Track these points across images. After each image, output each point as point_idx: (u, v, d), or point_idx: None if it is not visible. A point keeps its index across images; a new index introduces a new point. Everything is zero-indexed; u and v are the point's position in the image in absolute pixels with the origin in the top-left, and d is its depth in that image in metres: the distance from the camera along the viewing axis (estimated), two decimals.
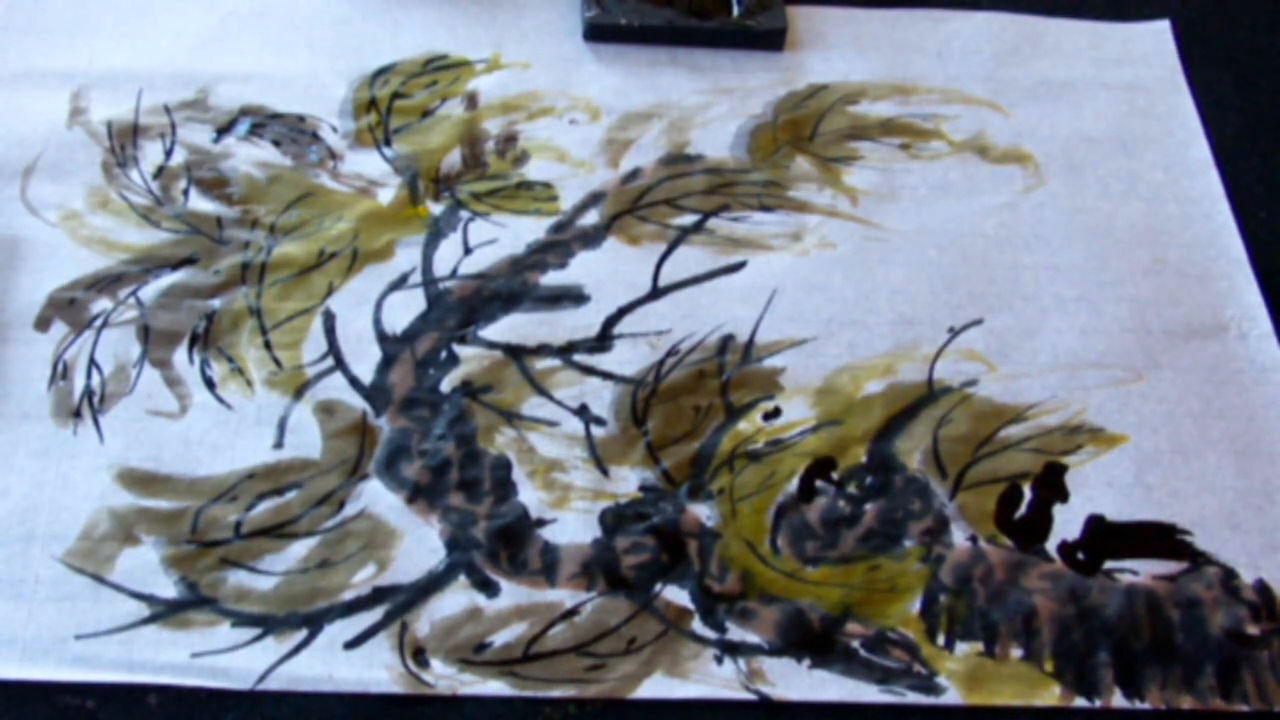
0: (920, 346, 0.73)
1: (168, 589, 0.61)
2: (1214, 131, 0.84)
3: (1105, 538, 0.66)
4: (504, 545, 0.64)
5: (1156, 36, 0.89)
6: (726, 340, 0.72)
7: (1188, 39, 0.89)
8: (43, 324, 0.70)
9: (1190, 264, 0.77)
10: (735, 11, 0.85)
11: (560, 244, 0.75)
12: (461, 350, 0.71)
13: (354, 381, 0.69)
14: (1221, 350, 0.74)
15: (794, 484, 0.67)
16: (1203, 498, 0.68)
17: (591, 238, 0.75)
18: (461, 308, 0.72)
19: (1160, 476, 0.68)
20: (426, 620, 0.61)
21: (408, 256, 0.74)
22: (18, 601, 0.60)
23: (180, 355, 0.69)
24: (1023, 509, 0.67)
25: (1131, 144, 0.83)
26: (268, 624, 0.61)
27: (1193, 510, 0.67)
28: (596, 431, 0.68)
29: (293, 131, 0.79)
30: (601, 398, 0.69)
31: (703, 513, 0.66)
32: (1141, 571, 0.65)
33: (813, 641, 0.62)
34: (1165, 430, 0.70)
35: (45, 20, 0.83)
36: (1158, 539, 0.66)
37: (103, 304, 0.70)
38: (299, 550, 0.63)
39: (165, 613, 0.61)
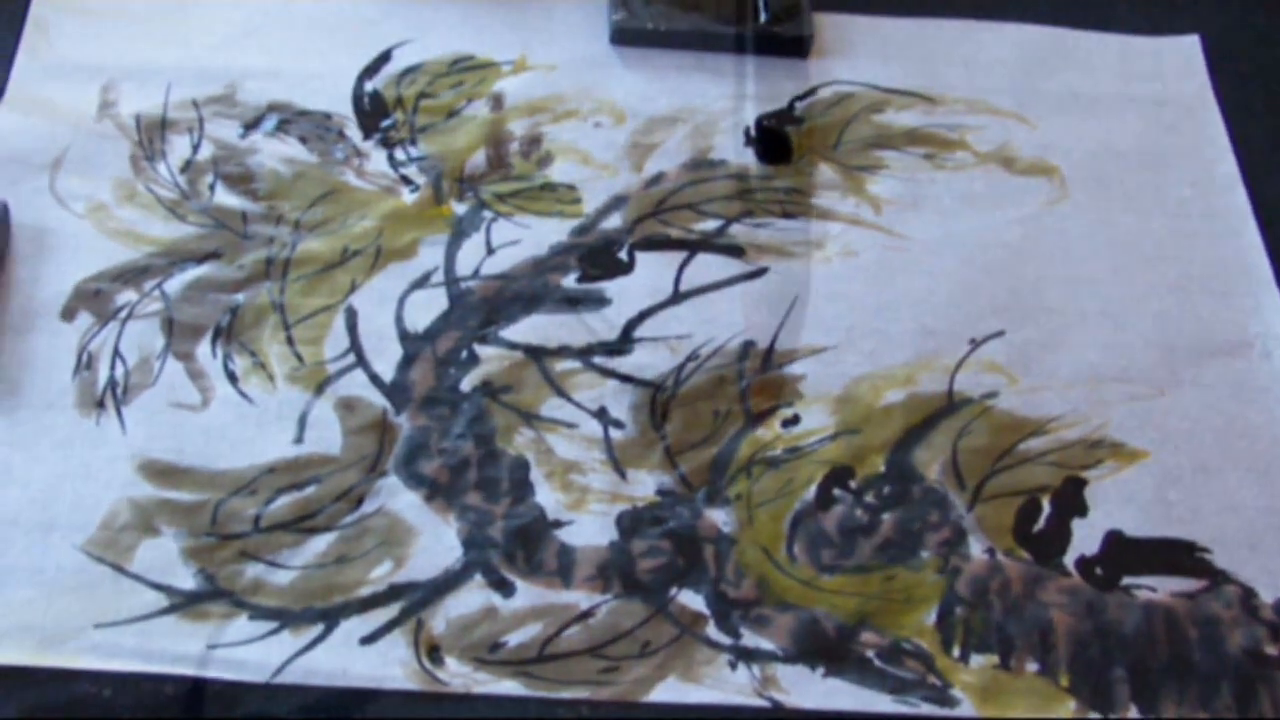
0: (941, 357, 0.72)
1: (186, 580, 0.62)
2: (1242, 148, 0.84)
3: (1124, 553, 0.66)
4: (521, 545, 0.64)
5: (1186, 51, 0.89)
6: (747, 346, 0.72)
7: (1218, 54, 0.89)
8: (69, 314, 0.70)
9: (1215, 280, 0.77)
10: (762, 18, 0.85)
11: (581, 247, 0.75)
12: (482, 350, 0.71)
13: (375, 379, 0.69)
14: (1245, 368, 0.73)
15: (811, 492, 0.67)
16: (1223, 516, 0.67)
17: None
18: (483, 308, 0.72)
19: (1181, 493, 0.68)
20: (442, 618, 0.61)
21: (431, 255, 0.74)
22: (37, 589, 0.61)
23: (203, 348, 0.70)
24: (1041, 523, 0.67)
25: (1159, 159, 0.83)
26: (284, 618, 0.61)
27: (1213, 528, 0.67)
28: (615, 434, 0.68)
29: (319, 129, 0.79)
30: (621, 401, 0.69)
31: (720, 518, 0.66)
32: (1160, 588, 0.65)
33: (827, 650, 0.62)
34: (1187, 447, 0.70)
35: (76, 15, 0.84)
36: (1177, 556, 0.66)
37: (128, 296, 0.71)
38: (317, 545, 0.63)
39: (183, 604, 0.61)
